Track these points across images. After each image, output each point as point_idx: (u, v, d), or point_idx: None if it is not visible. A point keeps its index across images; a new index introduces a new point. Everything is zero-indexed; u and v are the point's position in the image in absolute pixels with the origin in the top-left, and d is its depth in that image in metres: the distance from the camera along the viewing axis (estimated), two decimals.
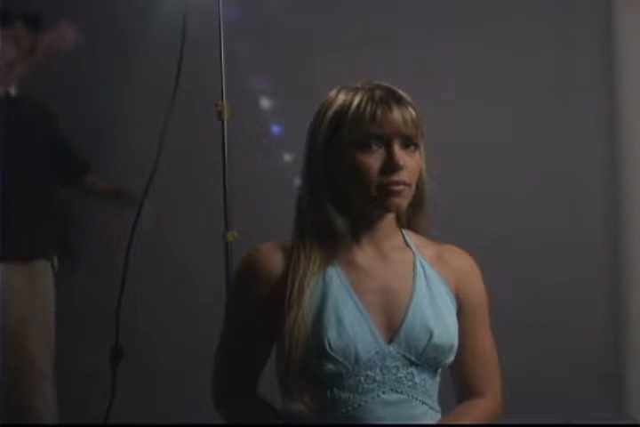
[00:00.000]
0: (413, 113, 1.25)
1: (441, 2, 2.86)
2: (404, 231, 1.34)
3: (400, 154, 1.23)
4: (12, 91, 2.38)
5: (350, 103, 1.25)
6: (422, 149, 1.28)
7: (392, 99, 1.24)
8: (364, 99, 1.24)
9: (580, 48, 2.91)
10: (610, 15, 2.94)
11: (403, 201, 1.25)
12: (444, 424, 1.28)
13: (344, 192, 1.27)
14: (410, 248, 1.33)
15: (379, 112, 1.22)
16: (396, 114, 1.23)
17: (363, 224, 1.29)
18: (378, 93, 1.24)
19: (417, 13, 2.83)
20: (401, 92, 1.27)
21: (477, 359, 1.34)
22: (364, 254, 1.29)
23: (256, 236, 1.41)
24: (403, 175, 1.23)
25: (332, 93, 1.29)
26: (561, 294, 2.78)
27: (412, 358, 1.24)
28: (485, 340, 1.35)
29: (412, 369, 1.25)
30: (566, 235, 2.82)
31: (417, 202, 1.30)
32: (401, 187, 1.23)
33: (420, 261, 1.31)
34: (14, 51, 2.35)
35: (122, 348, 2.07)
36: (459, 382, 1.35)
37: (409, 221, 1.34)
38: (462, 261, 1.36)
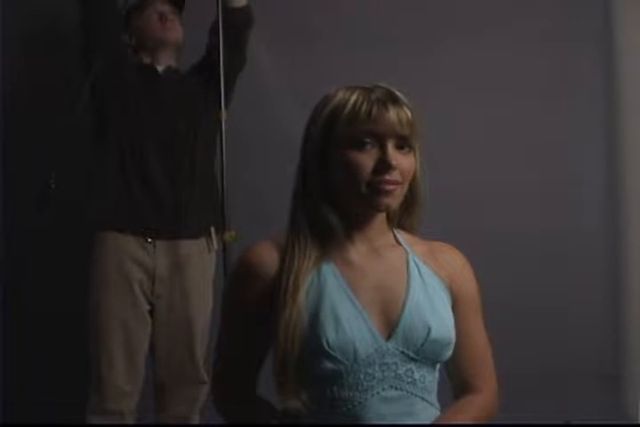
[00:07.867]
0: (409, 114, 1.25)
1: (441, 2, 2.86)
2: (394, 230, 1.35)
3: (393, 154, 1.24)
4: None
5: (346, 102, 1.25)
6: (417, 150, 1.29)
7: (388, 99, 1.25)
8: (361, 98, 1.25)
9: (580, 48, 2.91)
10: (609, 14, 2.94)
11: (392, 201, 1.25)
12: (445, 424, 1.27)
13: (337, 190, 1.27)
14: (401, 246, 1.33)
15: (374, 111, 1.23)
16: (392, 114, 1.23)
17: (355, 222, 1.30)
18: (375, 93, 1.25)
19: (417, 13, 2.82)
20: (398, 93, 1.28)
21: (472, 355, 1.34)
22: (357, 252, 1.30)
23: (254, 235, 1.40)
24: (395, 175, 1.24)
25: (330, 93, 1.30)
26: (561, 293, 2.78)
27: (411, 354, 1.24)
28: (479, 335, 1.36)
29: (411, 366, 1.25)
30: (566, 235, 2.82)
31: (410, 202, 1.31)
32: (392, 186, 1.23)
33: (413, 258, 1.32)
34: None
35: None
36: (454, 378, 1.36)
37: (400, 220, 1.35)
38: (453, 257, 1.37)
